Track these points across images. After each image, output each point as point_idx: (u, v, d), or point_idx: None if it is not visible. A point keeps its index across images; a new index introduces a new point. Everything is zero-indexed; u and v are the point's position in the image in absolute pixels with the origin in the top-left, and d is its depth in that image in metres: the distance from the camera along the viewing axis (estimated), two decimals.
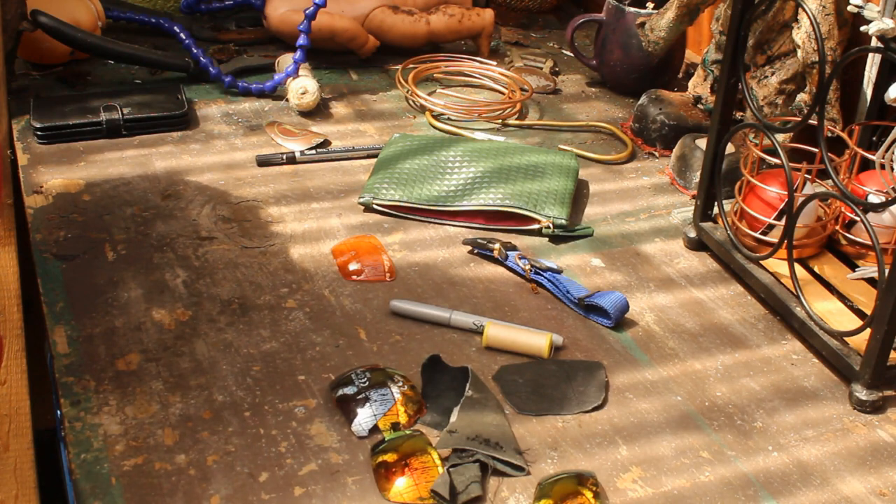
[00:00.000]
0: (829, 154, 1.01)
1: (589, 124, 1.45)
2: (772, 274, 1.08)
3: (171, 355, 0.96)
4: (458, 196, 1.19)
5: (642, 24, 1.46)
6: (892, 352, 0.93)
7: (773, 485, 0.86)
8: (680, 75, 1.57)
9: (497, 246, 1.12)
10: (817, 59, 1.19)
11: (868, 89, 1.23)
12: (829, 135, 1.12)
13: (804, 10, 1.00)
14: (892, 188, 1.07)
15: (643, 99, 1.42)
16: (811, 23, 1.01)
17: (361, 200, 1.21)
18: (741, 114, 1.32)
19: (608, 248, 1.18)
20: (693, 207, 1.19)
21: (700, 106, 1.40)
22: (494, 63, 1.58)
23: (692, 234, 1.17)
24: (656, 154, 1.39)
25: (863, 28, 0.92)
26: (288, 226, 1.18)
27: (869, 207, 1.05)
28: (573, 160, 1.28)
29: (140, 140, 1.34)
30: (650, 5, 1.51)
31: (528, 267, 1.09)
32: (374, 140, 1.38)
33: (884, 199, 1.07)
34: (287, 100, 1.44)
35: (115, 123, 1.33)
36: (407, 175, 1.22)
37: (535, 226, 1.18)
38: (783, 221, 1.05)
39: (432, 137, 1.32)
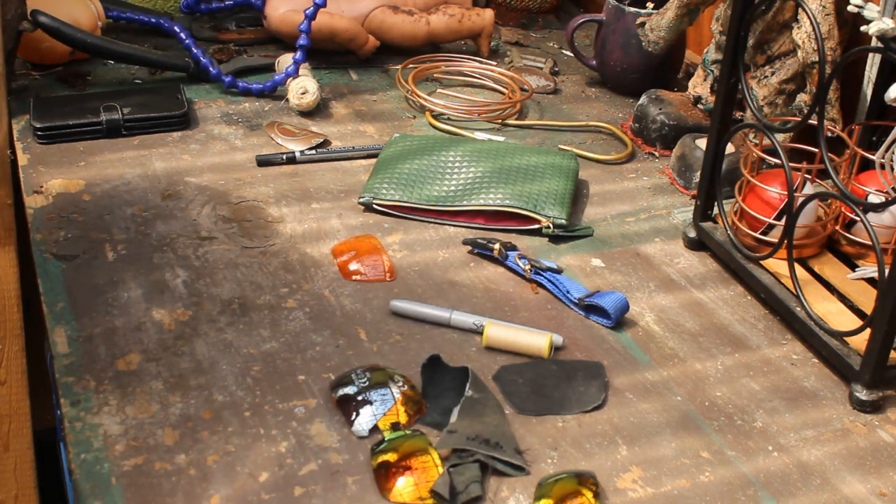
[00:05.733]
0: (829, 154, 1.01)
1: (589, 124, 1.45)
2: (772, 274, 1.08)
3: (171, 355, 0.96)
4: (458, 196, 1.19)
5: (642, 24, 1.46)
6: (892, 352, 0.93)
7: (773, 485, 0.86)
8: (680, 75, 1.57)
9: (497, 246, 1.12)
10: (817, 59, 1.19)
11: (868, 89, 1.23)
12: (829, 135, 1.12)
13: (804, 10, 1.00)
14: (892, 188, 1.07)
15: (643, 99, 1.42)
16: (811, 23, 1.01)
17: (361, 200, 1.21)
18: (741, 114, 1.32)
19: (608, 248, 1.18)
20: (693, 207, 1.19)
21: (700, 106, 1.40)
22: (494, 63, 1.58)
23: (692, 234, 1.17)
24: (656, 154, 1.39)
25: (863, 28, 0.92)
26: (288, 226, 1.18)
27: (869, 207, 1.05)
28: (573, 160, 1.28)
29: (140, 140, 1.34)
30: (650, 5, 1.51)
31: (528, 267, 1.09)
32: (374, 140, 1.38)
33: (884, 199, 1.07)
34: (287, 100, 1.44)
35: (115, 123, 1.33)
36: (407, 175, 1.22)
37: (535, 226, 1.18)
38: (783, 221, 1.05)
39: (432, 137, 1.32)
